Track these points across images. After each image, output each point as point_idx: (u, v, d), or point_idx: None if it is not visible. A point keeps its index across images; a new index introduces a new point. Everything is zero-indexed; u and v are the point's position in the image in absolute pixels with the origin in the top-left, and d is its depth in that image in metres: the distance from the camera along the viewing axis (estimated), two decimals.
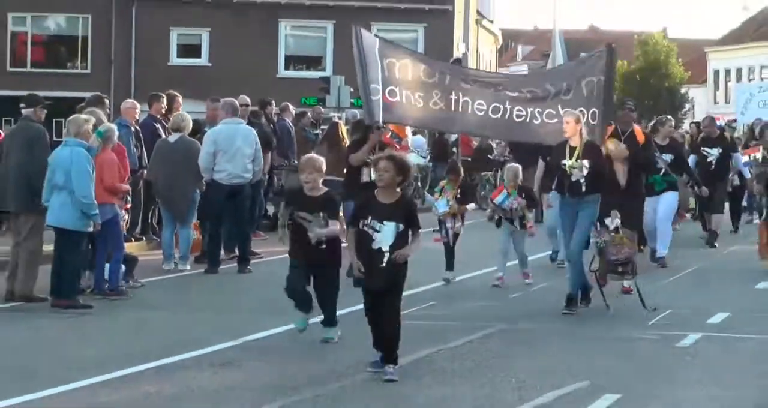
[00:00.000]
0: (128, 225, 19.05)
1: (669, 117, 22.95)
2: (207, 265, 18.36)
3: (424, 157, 30.67)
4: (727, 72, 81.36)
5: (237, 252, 18.37)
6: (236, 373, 11.12)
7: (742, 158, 23.45)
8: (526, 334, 13.28)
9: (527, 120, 16.05)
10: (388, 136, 19.84)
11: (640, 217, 16.87)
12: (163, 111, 21.52)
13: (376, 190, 10.54)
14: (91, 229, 15.31)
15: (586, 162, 13.59)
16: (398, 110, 16.76)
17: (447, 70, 18.41)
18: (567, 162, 13.75)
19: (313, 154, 14.25)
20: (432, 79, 16.60)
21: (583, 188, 13.74)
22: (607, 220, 14.36)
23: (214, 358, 11.83)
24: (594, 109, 15.46)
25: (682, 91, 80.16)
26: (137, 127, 20.32)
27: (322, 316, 11.69)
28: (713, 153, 22.27)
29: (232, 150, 18.82)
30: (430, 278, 17.22)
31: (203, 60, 55.52)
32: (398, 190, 10.06)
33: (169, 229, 19.77)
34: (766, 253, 18.49)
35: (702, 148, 22.72)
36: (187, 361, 11.79)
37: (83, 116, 16.39)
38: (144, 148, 19.90)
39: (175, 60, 55.21)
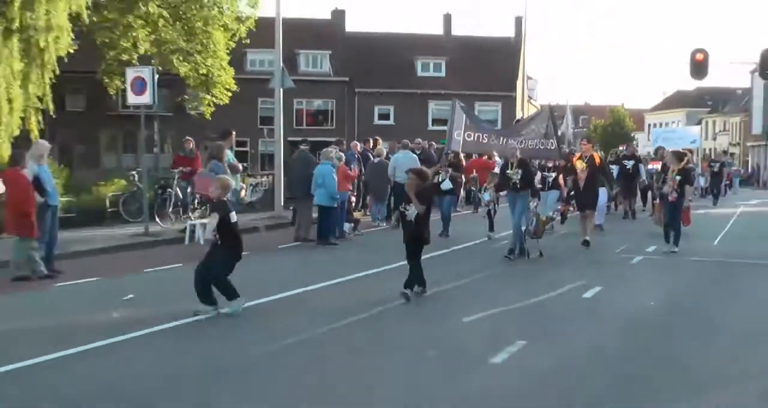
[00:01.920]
0: (355, 203, 27.41)
1: (621, 148, 39.13)
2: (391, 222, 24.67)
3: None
4: (653, 124, 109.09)
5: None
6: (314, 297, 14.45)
7: (643, 168, 32.87)
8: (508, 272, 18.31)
9: (527, 146, 20.61)
10: (484, 158, 29.37)
11: (594, 203, 22.55)
12: (371, 146, 30.31)
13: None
14: (335, 206, 22.60)
15: (519, 170, 19.24)
16: (470, 145, 22.19)
17: (491, 128, 25.59)
18: (509, 171, 19.51)
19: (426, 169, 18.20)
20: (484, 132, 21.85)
21: (518, 186, 19.42)
22: (532, 204, 19.83)
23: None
24: (552, 140, 20.63)
25: (632, 134, 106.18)
26: (359, 154, 28.68)
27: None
28: (629, 163, 31.40)
29: (402, 166, 23.43)
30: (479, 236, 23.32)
31: (391, 121, 65.10)
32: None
33: (375, 204, 28.74)
34: (659, 220, 22.83)
35: (623, 162, 31.63)
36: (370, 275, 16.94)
37: (330, 149, 23.83)
38: (363, 165, 28.11)
39: (376, 121, 64.41)
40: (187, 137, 27.65)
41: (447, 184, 16.37)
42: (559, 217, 24.55)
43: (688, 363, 10.39)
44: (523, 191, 19.27)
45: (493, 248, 21.34)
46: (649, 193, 32.37)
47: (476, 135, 21.33)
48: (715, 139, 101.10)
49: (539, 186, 22.81)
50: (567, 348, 11.04)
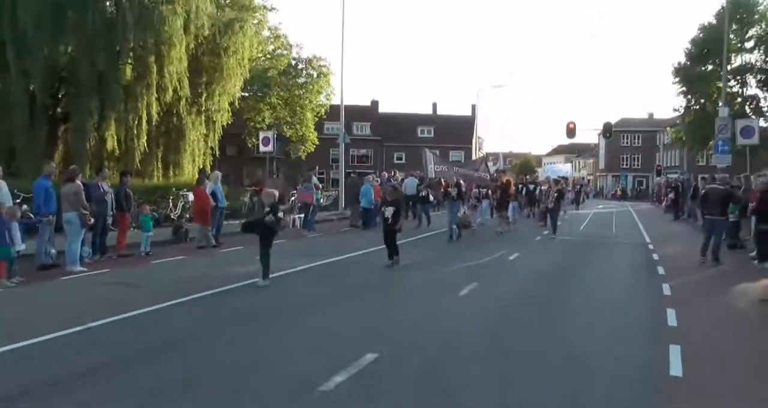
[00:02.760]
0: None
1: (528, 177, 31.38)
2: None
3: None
4: (547, 162, 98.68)
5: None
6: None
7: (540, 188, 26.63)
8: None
9: (471, 175, 21.32)
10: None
11: (507, 208, 21.11)
12: (393, 174, 26.94)
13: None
14: (372, 207, 21.26)
15: (456, 189, 18.75)
16: (438, 173, 21.42)
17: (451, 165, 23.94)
18: (450, 189, 18.89)
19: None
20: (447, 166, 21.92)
21: (454, 198, 18.58)
22: (461, 211, 18.70)
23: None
24: (486, 173, 21.65)
25: (535, 169, 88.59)
26: (387, 179, 24.88)
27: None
28: (532, 186, 26.99)
29: (409, 186, 24.19)
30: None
31: (403, 161, 63.87)
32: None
33: None
34: (540, 220, 22.46)
35: (528, 185, 27.24)
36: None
37: (369, 176, 23.63)
38: None
39: (395, 161, 60.94)
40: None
41: (389, 211, 12.93)
42: (489, 219, 23.05)
43: (567, 291, 10.41)
44: (458, 200, 18.81)
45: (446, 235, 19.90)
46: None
47: (441, 167, 21.29)
48: (579, 172, 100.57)
49: (476, 199, 22.12)
50: (501, 286, 11.00)
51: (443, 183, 21.45)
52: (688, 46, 41.52)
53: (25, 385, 5.53)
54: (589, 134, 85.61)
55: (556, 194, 20.33)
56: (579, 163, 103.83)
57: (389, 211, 12.83)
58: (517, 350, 6.93)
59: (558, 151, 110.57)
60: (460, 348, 6.98)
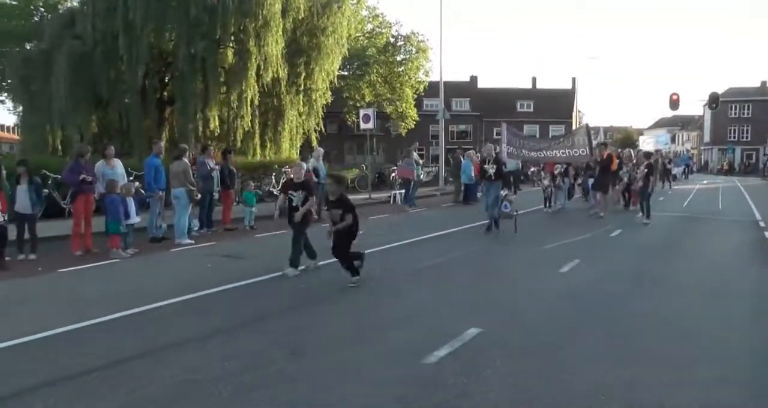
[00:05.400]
0: None
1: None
2: None
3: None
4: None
5: None
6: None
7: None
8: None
9: (558, 154, 17.34)
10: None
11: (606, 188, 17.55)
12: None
13: None
14: (472, 183, 21.77)
15: (494, 166, 14.15)
16: (510, 155, 17.19)
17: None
18: (486, 166, 14.30)
19: None
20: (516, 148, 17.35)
21: (493, 177, 14.16)
22: (503, 192, 14.23)
23: None
24: (584, 149, 16.84)
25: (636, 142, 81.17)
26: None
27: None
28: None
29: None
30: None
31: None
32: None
33: None
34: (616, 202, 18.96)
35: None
36: None
37: (471, 152, 23.45)
38: None
39: (494, 136, 62.31)
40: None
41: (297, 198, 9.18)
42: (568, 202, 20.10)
43: (675, 269, 9.89)
44: (496, 181, 14.31)
45: (551, 214, 18.65)
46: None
47: (511, 149, 17.31)
48: (682, 145, 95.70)
49: (560, 177, 19.29)
50: (604, 263, 10.59)
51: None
52: None
53: (140, 347, 5.86)
54: (693, 105, 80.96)
55: (645, 170, 16.49)
56: (682, 135, 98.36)
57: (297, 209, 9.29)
58: (624, 328, 6.62)
59: (660, 124, 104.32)
60: (565, 325, 6.74)
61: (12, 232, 10.72)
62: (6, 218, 10.28)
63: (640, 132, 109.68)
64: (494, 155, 14.74)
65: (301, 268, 9.33)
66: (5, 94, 33.16)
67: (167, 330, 6.44)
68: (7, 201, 10.43)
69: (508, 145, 17.08)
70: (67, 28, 23.65)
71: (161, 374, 5.12)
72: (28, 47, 29.09)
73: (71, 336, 6.28)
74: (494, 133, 64.57)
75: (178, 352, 5.75)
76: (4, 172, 10.53)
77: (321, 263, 9.63)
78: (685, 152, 71.82)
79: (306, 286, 8.59)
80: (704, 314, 7.31)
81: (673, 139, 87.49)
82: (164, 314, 7.04)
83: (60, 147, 22.43)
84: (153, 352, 5.72)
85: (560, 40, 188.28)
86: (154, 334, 6.28)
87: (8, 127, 63.92)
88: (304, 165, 9.43)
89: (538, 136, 53.38)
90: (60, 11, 28.88)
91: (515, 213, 14.27)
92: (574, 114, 68.50)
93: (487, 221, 14.34)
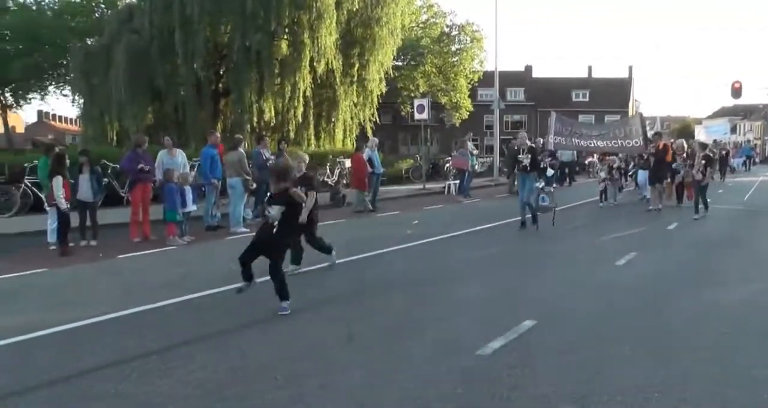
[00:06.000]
0: None
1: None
2: None
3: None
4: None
5: None
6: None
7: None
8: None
9: (611, 144, 16.90)
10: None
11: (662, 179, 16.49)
12: None
13: None
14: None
15: (529, 156, 13.14)
16: (557, 145, 17.36)
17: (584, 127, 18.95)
18: (520, 156, 13.26)
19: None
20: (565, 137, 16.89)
21: (528, 168, 13.14)
22: (536, 184, 13.09)
23: None
24: (637, 139, 16.45)
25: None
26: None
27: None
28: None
29: None
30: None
31: None
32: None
33: None
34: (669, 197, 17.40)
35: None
36: None
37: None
38: None
39: None
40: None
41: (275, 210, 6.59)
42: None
43: (737, 264, 9.57)
44: (532, 172, 13.25)
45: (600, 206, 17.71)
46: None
47: (558, 139, 16.77)
48: (744, 135, 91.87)
49: (617, 170, 18.29)
50: (663, 256, 10.30)
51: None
52: None
53: (197, 332, 5.97)
54: (757, 94, 77.56)
55: (703, 161, 15.23)
56: (744, 125, 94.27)
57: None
58: (679, 322, 6.40)
59: (720, 113, 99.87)
60: (620, 318, 6.56)
61: (74, 220, 11.00)
62: (69, 206, 10.55)
63: (699, 122, 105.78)
64: (528, 144, 13.68)
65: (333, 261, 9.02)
66: (68, 88, 34.28)
67: (223, 316, 6.53)
68: (69, 189, 10.77)
69: (555, 135, 16.54)
70: (126, 23, 24.38)
71: (217, 359, 5.20)
72: (89, 42, 30.02)
73: (130, 319, 6.47)
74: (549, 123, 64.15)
75: (235, 337, 5.83)
76: (68, 161, 10.88)
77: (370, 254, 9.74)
78: (746, 143, 68.94)
79: (361, 276, 8.62)
80: (763, 311, 7.01)
81: (734, 130, 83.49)
82: (219, 300, 7.14)
83: (115, 138, 23.10)
84: (209, 337, 5.81)
85: (618, 28, 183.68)
86: (211, 320, 6.37)
87: (71, 119, 65.81)
88: (306, 157, 9.19)
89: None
90: (119, 7, 29.69)
91: (554, 206, 13.33)
92: (630, 103, 66.85)
93: (519, 218, 13.25)
